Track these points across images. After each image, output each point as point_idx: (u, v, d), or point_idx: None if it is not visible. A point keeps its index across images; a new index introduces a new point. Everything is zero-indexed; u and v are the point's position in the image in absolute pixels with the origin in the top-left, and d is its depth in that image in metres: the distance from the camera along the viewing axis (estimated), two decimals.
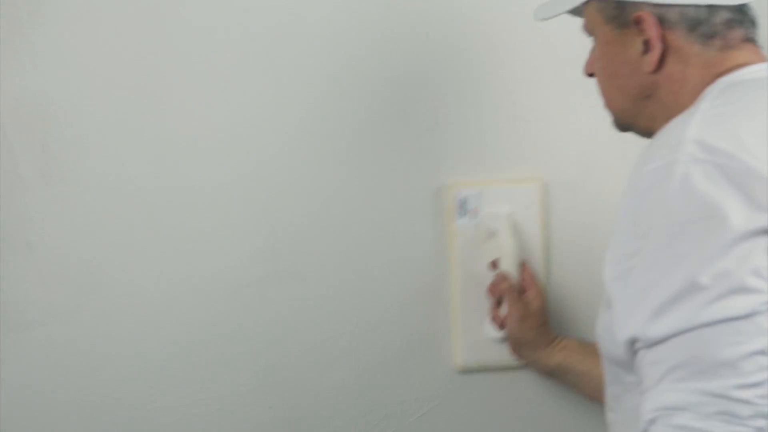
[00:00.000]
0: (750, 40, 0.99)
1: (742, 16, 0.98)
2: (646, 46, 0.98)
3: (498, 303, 1.34)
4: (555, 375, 1.35)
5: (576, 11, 1.07)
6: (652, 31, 0.97)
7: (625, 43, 1.00)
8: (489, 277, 1.33)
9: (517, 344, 1.33)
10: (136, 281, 1.26)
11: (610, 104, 1.07)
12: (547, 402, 1.39)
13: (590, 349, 1.30)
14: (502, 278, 1.31)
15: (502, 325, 1.33)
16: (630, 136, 1.08)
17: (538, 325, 1.32)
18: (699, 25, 0.96)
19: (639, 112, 1.03)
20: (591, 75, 1.10)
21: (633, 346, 0.87)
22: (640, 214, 0.87)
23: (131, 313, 1.26)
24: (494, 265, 1.34)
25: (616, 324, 0.89)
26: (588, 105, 1.16)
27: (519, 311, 1.30)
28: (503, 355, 1.36)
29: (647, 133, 1.05)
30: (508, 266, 1.32)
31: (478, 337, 1.35)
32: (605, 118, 1.09)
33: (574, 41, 1.14)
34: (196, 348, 1.29)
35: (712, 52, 0.97)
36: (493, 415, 1.38)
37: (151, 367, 1.28)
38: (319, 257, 1.32)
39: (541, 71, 1.35)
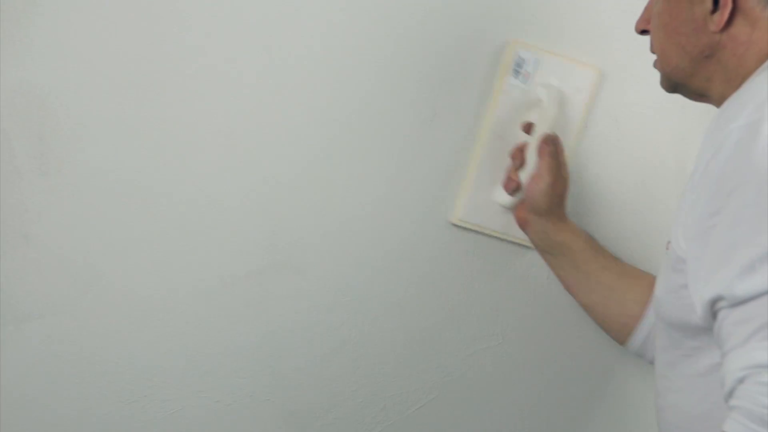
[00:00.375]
0: None
1: None
2: (715, 5, 0.97)
3: (518, 168, 1.30)
4: (552, 251, 1.31)
5: None
6: None
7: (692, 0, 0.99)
8: (518, 140, 1.31)
9: (533, 210, 1.28)
10: (134, 274, 1.25)
11: (665, 62, 1.06)
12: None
13: (594, 244, 1.31)
14: (544, 140, 1.27)
15: (515, 190, 1.30)
16: None
17: (561, 197, 1.28)
18: None
19: (695, 72, 1.02)
20: (643, 32, 1.10)
21: (714, 306, 0.86)
22: (725, 172, 0.86)
23: (129, 306, 1.25)
24: (528, 129, 1.31)
25: (693, 284, 0.89)
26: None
27: (551, 176, 1.25)
28: (505, 225, 1.34)
29: (698, 94, 1.05)
30: (546, 134, 1.28)
31: (486, 199, 1.33)
32: None
33: None
34: (194, 340, 1.29)
35: None
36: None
37: (149, 360, 1.27)
38: (318, 249, 1.32)
39: None
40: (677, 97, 1.11)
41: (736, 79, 0.98)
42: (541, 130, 1.29)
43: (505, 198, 1.32)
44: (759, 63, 0.95)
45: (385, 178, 1.33)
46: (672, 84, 1.08)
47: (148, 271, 1.25)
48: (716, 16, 0.97)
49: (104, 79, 1.20)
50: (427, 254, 1.35)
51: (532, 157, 1.28)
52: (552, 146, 1.26)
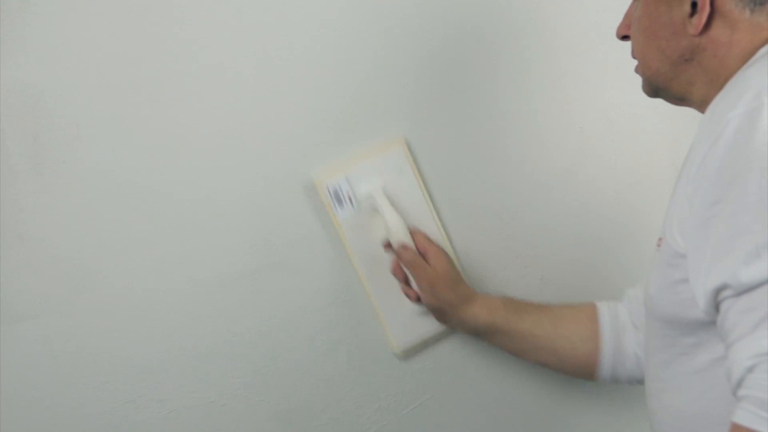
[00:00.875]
0: None
1: None
2: (693, 9, 0.97)
3: (406, 280, 1.31)
4: (482, 336, 1.32)
5: None
6: None
7: (671, 3, 0.99)
8: (389, 258, 1.31)
9: (437, 312, 1.30)
10: (129, 274, 1.25)
11: (645, 66, 1.06)
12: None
13: (513, 306, 1.29)
14: (400, 252, 1.27)
15: (418, 299, 1.30)
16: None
17: (451, 285, 1.28)
18: None
19: (676, 75, 1.02)
20: (624, 38, 1.10)
21: (718, 296, 0.85)
22: (725, 161, 0.85)
23: (124, 306, 1.25)
24: (388, 245, 1.30)
25: (695, 275, 0.88)
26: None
27: (427, 279, 1.26)
28: (436, 325, 1.33)
29: (679, 98, 1.05)
30: (400, 239, 1.27)
31: (406, 318, 1.32)
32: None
33: None
34: (189, 340, 1.29)
35: (761, 19, 0.95)
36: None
37: (143, 360, 1.27)
38: (312, 249, 1.32)
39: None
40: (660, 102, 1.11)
41: (718, 81, 0.98)
42: (394, 237, 1.27)
43: (416, 307, 1.32)
44: (741, 63, 0.95)
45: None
46: (653, 88, 1.08)
47: (143, 271, 1.25)
48: (695, 19, 0.97)
49: (99, 79, 1.19)
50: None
51: (405, 267, 1.29)
52: (407, 254, 1.27)
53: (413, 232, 1.29)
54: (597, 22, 1.34)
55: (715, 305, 0.86)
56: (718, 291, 0.85)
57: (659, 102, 1.28)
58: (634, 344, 1.23)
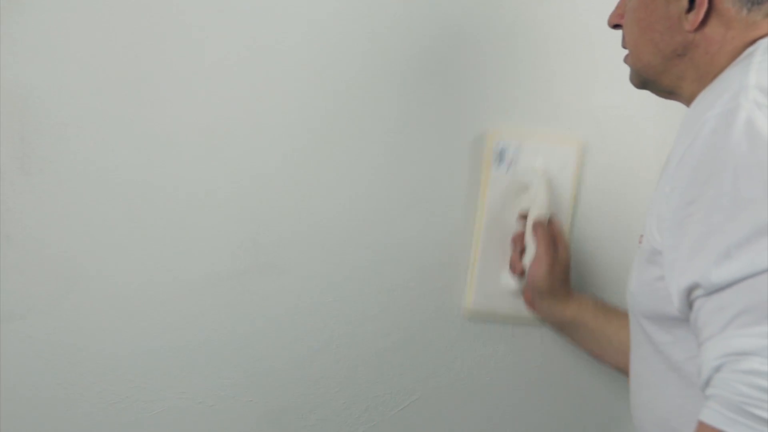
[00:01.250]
0: None
1: None
2: (691, 4, 0.97)
3: (520, 253, 1.33)
4: (565, 329, 1.34)
5: None
6: None
7: None
8: (514, 227, 1.35)
9: (537, 293, 1.31)
10: (117, 274, 1.24)
11: (636, 58, 1.06)
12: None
13: (604, 308, 1.31)
14: (538, 224, 1.30)
15: (521, 275, 1.32)
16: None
17: (563, 277, 1.31)
18: None
19: (667, 69, 1.02)
20: (616, 26, 1.09)
21: (691, 294, 0.85)
22: (702, 161, 0.85)
23: (111, 306, 1.25)
24: (523, 216, 1.34)
25: (670, 272, 0.88)
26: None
27: (549, 259, 1.28)
28: (516, 306, 1.36)
29: (668, 92, 1.05)
30: (544, 215, 1.31)
31: (494, 286, 1.36)
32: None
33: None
34: (177, 341, 1.28)
35: (756, 18, 0.95)
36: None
37: (131, 361, 1.27)
38: (301, 249, 1.32)
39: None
40: (659, 100, 1.11)
41: (707, 77, 0.98)
42: (533, 214, 1.32)
43: (511, 282, 1.35)
44: (731, 61, 0.95)
45: (369, 182, 1.33)
46: (642, 80, 1.07)
47: (131, 271, 1.25)
48: (691, 15, 0.97)
49: (86, 79, 1.19)
50: (413, 253, 1.35)
51: (530, 242, 1.31)
52: (545, 229, 1.30)
53: (552, 220, 1.33)
54: (586, 23, 1.34)
55: (689, 304, 0.87)
56: (691, 290, 0.85)
57: (648, 104, 1.28)
58: None
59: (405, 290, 1.36)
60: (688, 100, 1.03)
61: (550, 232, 1.31)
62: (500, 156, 1.34)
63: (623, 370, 1.27)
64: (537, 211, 1.32)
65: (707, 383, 0.82)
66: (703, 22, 0.97)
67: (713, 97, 0.88)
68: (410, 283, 1.36)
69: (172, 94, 1.24)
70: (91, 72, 1.19)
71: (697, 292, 0.84)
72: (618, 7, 1.10)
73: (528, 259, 1.31)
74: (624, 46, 1.08)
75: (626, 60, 1.08)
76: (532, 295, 1.33)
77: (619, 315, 1.29)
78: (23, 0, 1.15)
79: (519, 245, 1.33)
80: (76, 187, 1.21)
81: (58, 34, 1.17)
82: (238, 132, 1.27)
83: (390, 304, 1.35)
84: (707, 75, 0.98)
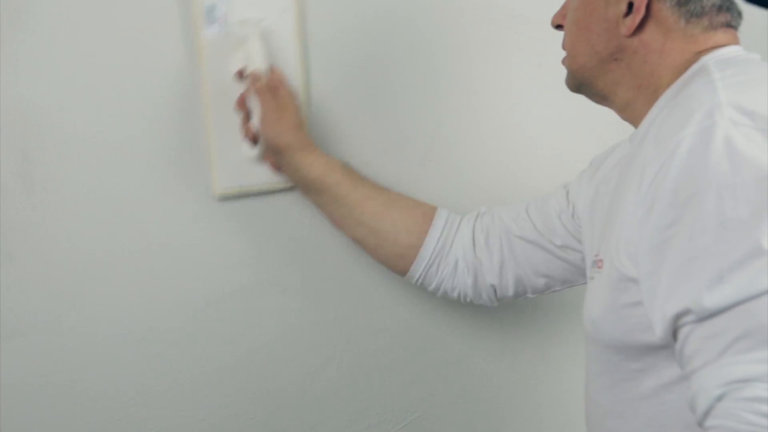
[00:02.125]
0: (732, 27, 0.98)
1: (730, 3, 0.98)
2: (630, 9, 0.97)
3: (248, 116, 1.24)
4: (311, 191, 1.26)
5: None
6: None
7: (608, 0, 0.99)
8: (239, 89, 1.24)
9: (275, 152, 1.23)
10: (118, 291, 1.24)
11: (573, 59, 1.05)
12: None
13: (351, 174, 1.25)
14: (253, 80, 1.20)
15: (254, 140, 1.24)
16: None
17: (295, 126, 1.21)
18: (689, 2, 0.96)
19: (602, 73, 1.02)
20: (558, 27, 1.09)
21: (678, 321, 0.82)
22: (680, 181, 0.83)
23: (113, 324, 1.24)
24: (240, 74, 1.24)
25: (651, 299, 0.84)
26: None
27: (272, 109, 1.19)
28: (265, 175, 1.27)
29: (602, 97, 1.04)
30: (257, 67, 1.21)
31: (238, 159, 1.25)
32: None
33: None
34: (179, 358, 1.28)
35: (695, 31, 0.96)
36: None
37: (132, 378, 1.26)
38: (302, 267, 1.32)
39: None
40: None
41: (647, 88, 0.97)
42: (249, 70, 1.21)
43: (248, 151, 1.25)
44: (673, 75, 0.95)
45: None
46: (577, 83, 1.06)
47: (132, 289, 1.25)
48: (628, 19, 0.97)
49: (88, 95, 1.19)
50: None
51: (254, 100, 1.22)
52: (263, 81, 1.20)
53: (272, 69, 1.22)
54: None
55: (673, 331, 0.83)
56: (679, 317, 0.82)
57: None
58: (461, 255, 1.21)
59: (407, 309, 1.36)
60: (621, 109, 1.02)
61: (271, 83, 1.21)
62: (210, 13, 1.20)
63: (361, 243, 1.26)
64: (252, 66, 1.21)
65: (707, 414, 0.79)
66: (641, 27, 0.97)
67: (683, 116, 0.86)
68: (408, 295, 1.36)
69: (173, 110, 1.23)
70: (92, 90, 1.19)
71: (686, 319, 0.81)
72: (562, 7, 1.09)
73: (256, 119, 1.22)
74: (563, 48, 1.07)
75: (563, 62, 1.07)
76: (273, 156, 1.24)
77: (369, 186, 1.25)
78: (26, 18, 1.15)
79: (243, 108, 1.24)
80: (78, 204, 1.20)
81: (60, 51, 1.17)
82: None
83: (391, 322, 1.35)
84: (647, 86, 0.97)
